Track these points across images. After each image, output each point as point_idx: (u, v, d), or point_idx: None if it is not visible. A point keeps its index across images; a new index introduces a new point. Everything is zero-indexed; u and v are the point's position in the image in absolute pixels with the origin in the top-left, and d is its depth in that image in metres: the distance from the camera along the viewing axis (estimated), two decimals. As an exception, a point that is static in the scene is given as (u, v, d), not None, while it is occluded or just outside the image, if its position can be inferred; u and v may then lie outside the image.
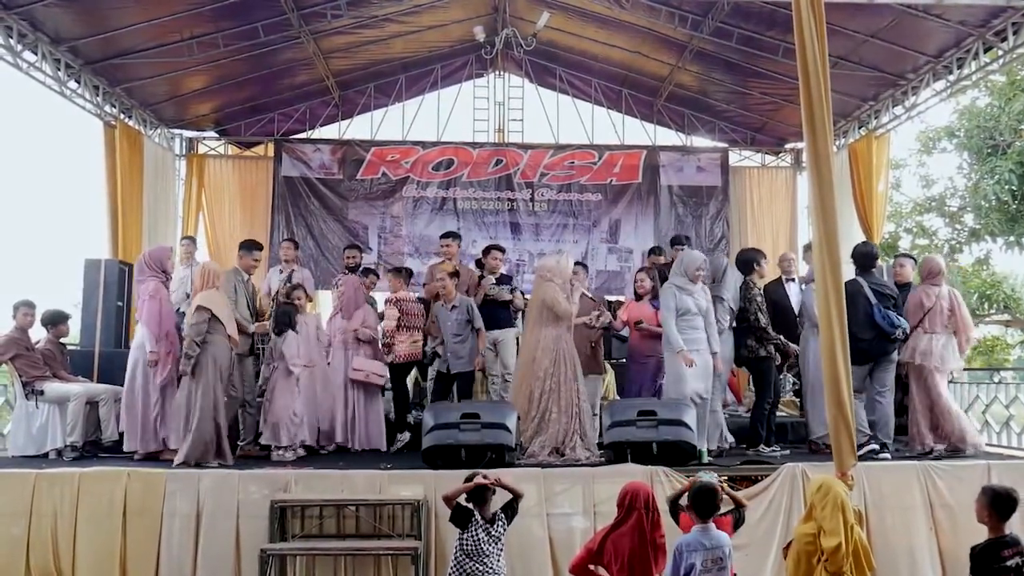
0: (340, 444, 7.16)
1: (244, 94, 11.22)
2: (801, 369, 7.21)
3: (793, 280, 7.37)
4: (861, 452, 5.89)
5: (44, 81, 8.70)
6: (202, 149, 12.07)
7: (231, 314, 6.33)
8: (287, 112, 11.88)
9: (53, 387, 6.67)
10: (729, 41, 9.66)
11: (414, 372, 8.13)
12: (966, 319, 6.52)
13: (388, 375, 7.41)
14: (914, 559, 5.49)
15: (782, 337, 6.83)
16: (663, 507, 4.35)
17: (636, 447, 5.78)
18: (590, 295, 7.60)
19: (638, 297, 7.33)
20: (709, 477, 4.46)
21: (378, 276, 8.79)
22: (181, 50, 9.28)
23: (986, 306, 15.59)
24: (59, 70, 8.78)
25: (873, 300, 6.25)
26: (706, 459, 6.06)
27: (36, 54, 8.43)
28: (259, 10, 9.06)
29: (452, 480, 4.79)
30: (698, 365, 6.24)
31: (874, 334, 6.24)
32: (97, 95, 9.52)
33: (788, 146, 12.43)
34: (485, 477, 4.48)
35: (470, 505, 4.46)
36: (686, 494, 4.32)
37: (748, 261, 6.98)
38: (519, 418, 6.03)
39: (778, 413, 7.58)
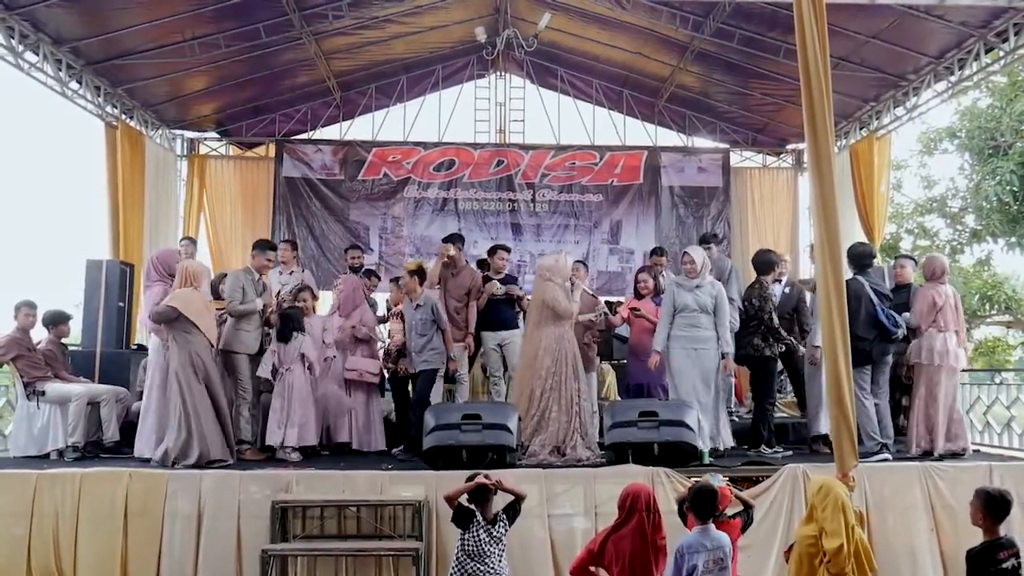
0: (339, 443, 7.15)
1: (245, 95, 11.23)
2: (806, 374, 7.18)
3: (779, 282, 7.39)
4: (874, 460, 5.90)
5: (45, 82, 8.70)
6: (203, 150, 12.08)
7: (206, 312, 6.16)
8: (288, 113, 11.89)
9: (54, 387, 6.67)
10: (730, 42, 9.66)
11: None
12: (962, 320, 6.55)
13: (382, 374, 7.43)
14: (915, 560, 5.48)
15: (792, 339, 6.86)
16: (664, 508, 4.35)
17: (637, 448, 5.78)
18: (591, 292, 7.61)
19: (640, 296, 7.34)
20: (716, 479, 4.46)
21: (379, 278, 8.78)
22: (183, 51, 9.29)
23: (987, 307, 15.59)
24: (60, 71, 8.79)
25: (875, 300, 6.25)
26: (707, 460, 6.05)
27: (38, 55, 8.43)
28: (260, 11, 9.07)
29: (453, 481, 4.79)
30: (694, 365, 6.27)
31: (876, 334, 6.24)
32: (98, 96, 9.53)
33: (789, 147, 12.43)
34: (487, 477, 4.48)
35: (472, 505, 4.46)
36: None
37: (768, 262, 6.98)
38: (520, 418, 6.03)
39: (778, 414, 7.58)
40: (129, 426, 6.68)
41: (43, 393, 6.62)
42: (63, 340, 7.17)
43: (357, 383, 7.22)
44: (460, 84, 12.22)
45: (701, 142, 12.44)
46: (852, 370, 4.94)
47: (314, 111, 12.00)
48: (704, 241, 8.34)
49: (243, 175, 12.01)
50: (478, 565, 4.33)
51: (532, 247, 11.67)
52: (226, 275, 7.46)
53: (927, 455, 6.22)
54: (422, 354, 6.84)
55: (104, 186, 9.56)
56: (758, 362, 6.84)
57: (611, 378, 8.63)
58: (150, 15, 8.53)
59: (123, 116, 9.98)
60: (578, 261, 7.56)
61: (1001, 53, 8.54)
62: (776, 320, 6.74)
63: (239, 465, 6.02)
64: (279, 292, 7.61)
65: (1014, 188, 14.07)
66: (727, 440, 6.62)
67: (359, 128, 12.19)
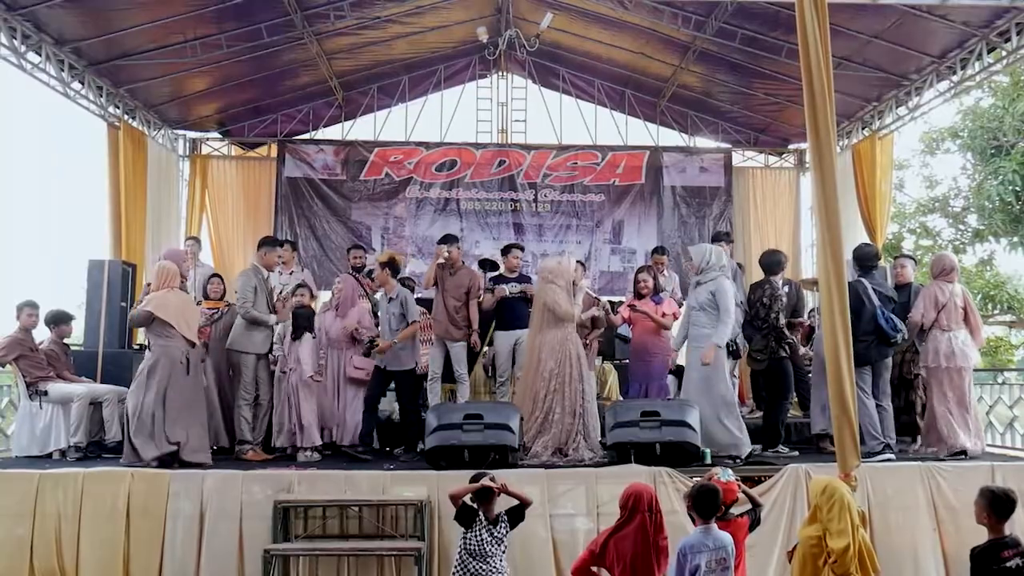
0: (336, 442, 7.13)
1: (247, 95, 11.23)
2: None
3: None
4: (877, 459, 5.89)
5: (48, 82, 8.71)
6: (205, 150, 12.08)
7: (185, 312, 6.14)
8: (290, 113, 11.89)
9: (57, 387, 6.68)
10: (732, 42, 9.65)
11: None
12: (979, 321, 6.50)
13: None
14: (918, 560, 5.47)
15: (795, 338, 6.86)
16: (666, 509, 4.34)
17: (640, 448, 5.78)
18: (593, 294, 7.60)
19: (640, 296, 7.33)
20: (726, 474, 4.44)
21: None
22: (185, 51, 9.29)
23: (990, 307, 15.57)
24: (63, 71, 8.79)
25: (876, 302, 6.23)
26: (709, 460, 6.04)
27: (40, 55, 8.44)
28: (262, 11, 9.07)
29: (455, 481, 4.80)
30: (693, 363, 6.32)
31: (874, 337, 6.20)
32: (101, 96, 9.53)
33: (791, 147, 12.41)
34: (493, 480, 4.47)
35: (475, 505, 4.46)
36: None
37: (777, 262, 7.03)
38: (522, 418, 6.03)
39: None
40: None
41: (45, 393, 6.63)
42: (65, 340, 7.19)
43: (361, 382, 7.20)
44: (462, 84, 12.21)
45: (703, 142, 12.41)
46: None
47: (316, 111, 12.00)
48: (716, 239, 8.34)
49: (245, 175, 12.00)
50: (481, 564, 4.33)
51: (534, 247, 11.63)
52: (217, 276, 7.49)
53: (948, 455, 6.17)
54: (396, 353, 6.81)
55: (106, 186, 9.57)
56: (774, 363, 6.83)
57: (613, 378, 8.62)
58: (152, 15, 8.54)
59: (125, 116, 9.98)
60: (576, 261, 7.54)
61: (1003, 53, 8.52)
62: (783, 320, 6.75)
63: (240, 465, 6.02)
64: (280, 292, 7.61)
65: (1016, 188, 14.05)
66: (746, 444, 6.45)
67: (361, 128, 12.19)
